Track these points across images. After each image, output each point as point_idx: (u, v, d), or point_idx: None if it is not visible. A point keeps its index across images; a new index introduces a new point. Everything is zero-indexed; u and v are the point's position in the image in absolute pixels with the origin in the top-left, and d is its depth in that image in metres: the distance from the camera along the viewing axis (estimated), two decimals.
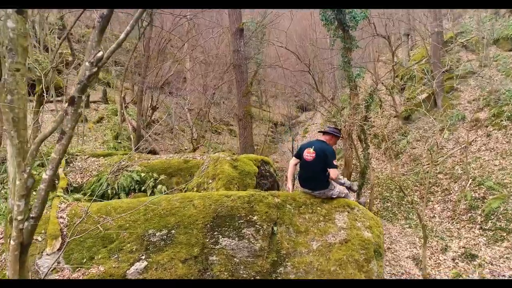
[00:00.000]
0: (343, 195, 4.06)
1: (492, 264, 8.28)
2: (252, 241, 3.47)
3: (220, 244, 3.43)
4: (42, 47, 15.04)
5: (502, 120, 11.51)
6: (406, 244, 10.21)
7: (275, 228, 3.61)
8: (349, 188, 4.23)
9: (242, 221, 3.55)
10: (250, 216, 3.59)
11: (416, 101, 15.44)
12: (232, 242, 3.44)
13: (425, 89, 15.15)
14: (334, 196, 3.98)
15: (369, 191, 12.07)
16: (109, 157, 6.03)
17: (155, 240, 3.45)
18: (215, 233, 3.48)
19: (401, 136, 15.14)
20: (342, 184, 4.18)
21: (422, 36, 17.22)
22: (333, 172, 3.93)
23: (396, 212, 11.68)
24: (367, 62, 17.55)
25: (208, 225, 3.52)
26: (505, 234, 8.71)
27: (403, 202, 11.90)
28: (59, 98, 14.74)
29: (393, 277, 9.20)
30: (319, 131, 4.36)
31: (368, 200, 10.87)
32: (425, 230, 7.94)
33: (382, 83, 15.16)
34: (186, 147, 16.74)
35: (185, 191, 4.83)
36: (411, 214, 11.20)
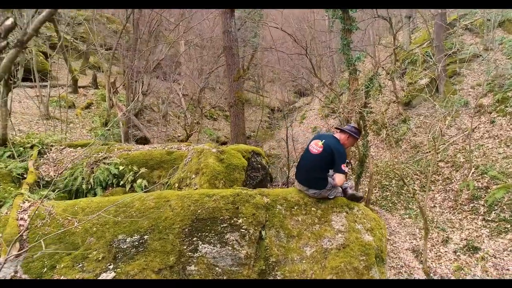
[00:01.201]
0: (340, 194, 3.61)
1: (495, 258, 7.93)
2: (237, 248, 3.02)
3: (200, 251, 2.99)
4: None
5: (506, 106, 11.05)
6: (405, 235, 9.86)
7: (263, 233, 3.16)
8: (352, 196, 3.69)
9: (225, 224, 3.10)
10: (234, 219, 3.14)
11: (418, 86, 14.93)
12: (214, 249, 2.99)
13: (427, 74, 14.59)
14: (331, 197, 3.53)
15: (368, 180, 11.70)
16: (87, 147, 5.54)
17: (125, 247, 3.00)
18: (194, 238, 3.03)
19: (402, 122, 14.66)
20: (344, 188, 3.68)
21: (424, 18, 16.56)
22: (339, 178, 3.45)
23: (396, 201, 11.31)
24: (367, 46, 16.93)
25: (186, 230, 3.07)
26: (509, 226, 8.35)
27: (403, 191, 11.52)
28: (45, 83, 14.16)
29: (392, 270, 8.88)
30: (335, 128, 3.81)
31: (368, 191, 10.50)
32: (426, 223, 7.56)
33: (383, 68, 14.57)
34: (179, 134, 16.23)
35: (168, 187, 4.38)
36: (411, 203, 10.84)
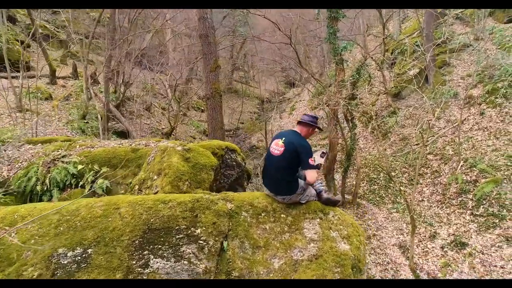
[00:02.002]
0: (314, 198, 3.25)
1: (483, 254, 7.73)
2: (194, 262, 2.66)
3: (151, 267, 2.62)
4: (6, 17, 13.68)
5: (496, 98, 10.80)
6: (392, 230, 9.63)
7: (225, 243, 2.80)
8: (327, 200, 3.31)
9: (181, 235, 2.73)
10: (192, 228, 2.77)
11: (407, 77, 14.62)
12: (167, 264, 2.63)
13: (417, 64, 14.28)
14: (303, 202, 3.19)
15: (356, 174, 11.43)
16: (48, 143, 5.11)
17: (65, 262, 2.62)
18: (145, 252, 2.66)
19: (391, 114, 14.38)
20: (319, 191, 3.31)
21: None
22: (310, 175, 3.07)
23: (383, 195, 11.06)
24: (356, 35, 16.53)
25: (137, 242, 2.70)
26: (497, 221, 8.14)
27: (391, 184, 11.28)
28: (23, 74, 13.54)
29: (378, 267, 8.65)
30: (298, 122, 3.42)
31: (355, 185, 10.22)
32: (413, 220, 7.30)
33: (372, 58, 14.21)
34: (163, 126, 15.75)
35: (131, 189, 3.98)
36: (398, 197, 10.60)
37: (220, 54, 32.20)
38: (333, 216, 3.13)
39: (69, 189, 4.31)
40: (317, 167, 3.10)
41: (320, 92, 16.21)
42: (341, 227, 3.09)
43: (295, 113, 23.20)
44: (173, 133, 15.16)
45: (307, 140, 3.20)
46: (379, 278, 8.29)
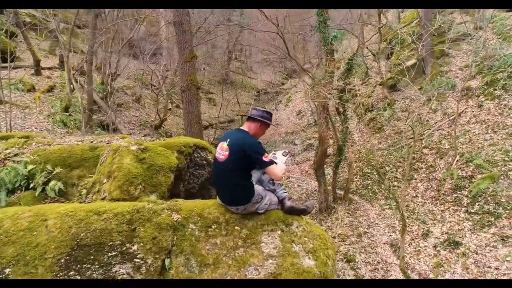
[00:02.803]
0: (275, 207, 2.86)
1: (477, 254, 7.38)
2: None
3: None
4: None
5: (495, 89, 10.36)
6: (384, 227, 9.29)
7: (167, 261, 2.43)
8: (291, 209, 2.87)
9: (114, 253, 2.35)
10: (128, 244, 2.39)
11: (404, 68, 14.13)
12: None
13: (414, 54, 13.78)
14: (261, 211, 2.79)
15: (348, 168, 11.05)
16: (5, 140, 4.72)
17: None
18: (72, 272, 2.28)
19: (386, 106, 13.93)
20: (282, 199, 2.88)
21: None
22: (272, 172, 2.66)
23: (376, 191, 10.70)
24: (353, 24, 15.98)
25: (63, 260, 2.32)
26: (492, 219, 7.77)
27: (384, 179, 10.90)
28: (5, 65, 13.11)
29: (368, 266, 8.33)
30: (247, 118, 2.99)
31: (347, 180, 9.84)
32: (404, 220, 6.93)
33: (367, 48, 13.72)
34: (153, 119, 15.34)
35: (79, 194, 3.61)
36: (392, 193, 10.23)
37: (217, 44, 31.69)
38: (297, 227, 2.74)
39: (19, 191, 3.94)
40: (275, 162, 2.69)
41: (316, 83, 15.71)
42: (306, 239, 2.71)
43: (291, 105, 22.76)
44: (162, 125, 14.78)
45: (258, 138, 2.81)
46: (369, 278, 7.98)
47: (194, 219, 2.59)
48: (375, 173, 11.23)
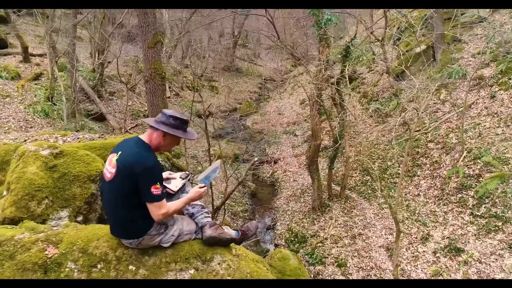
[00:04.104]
0: (189, 236, 2.21)
1: (480, 262, 6.62)
2: None
3: None
4: None
5: (510, 78, 9.40)
6: (381, 229, 8.57)
7: None
8: (211, 239, 2.20)
9: None
10: None
11: (412, 55, 13.16)
12: None
13: (424, 40, 12.79)
14: (167, 245, 2.13)
15: (345, 163, 10.30)
16: None
17: None
18: None
19: (392, 96, 13.04)
20: (202, 227, 2.18)
21: None
22: (153, 212, 1.98)
23: (376, 188, 9.96)
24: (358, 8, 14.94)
25: None
26: (500, 224, 6.98)
27: (385, 175, 10.16)
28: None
29: (361, 272, 7.68)
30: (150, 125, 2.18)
31: (343, 176, 9.10)
32: (398, 224, 6.21)
33: (372, 33, 12.79)
34: (146, 108, 14.77)
35: None
36: (392, 190, 9.48)
37: (224, 28, 30.74)
38: (219, 264, 2.10)
39: None
40: (164, 197, 2.00)
41: (318, 71, 14.84)
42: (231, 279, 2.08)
43: (296, 94, 21.89)
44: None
45: (163, 152, 2.16)
46: None
47: (74, 256, 1.97)
48: (375, 168, 10.47)
